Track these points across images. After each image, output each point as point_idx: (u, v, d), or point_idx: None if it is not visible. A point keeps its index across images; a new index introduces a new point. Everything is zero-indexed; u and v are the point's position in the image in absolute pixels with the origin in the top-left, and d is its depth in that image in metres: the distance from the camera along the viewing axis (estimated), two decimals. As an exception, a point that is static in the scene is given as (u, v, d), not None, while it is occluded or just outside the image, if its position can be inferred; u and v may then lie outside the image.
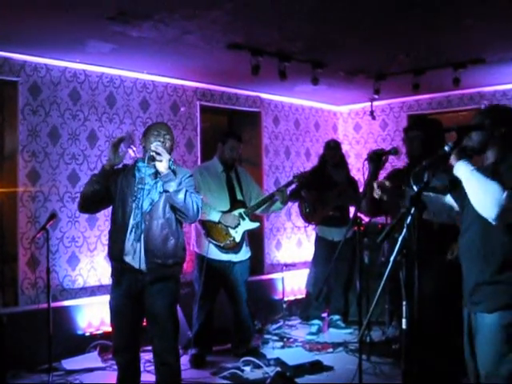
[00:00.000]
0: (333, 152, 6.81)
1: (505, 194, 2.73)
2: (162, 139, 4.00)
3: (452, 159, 2.96)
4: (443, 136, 4.11)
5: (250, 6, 4.56)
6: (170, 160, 3.92)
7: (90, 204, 4.05)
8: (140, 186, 3.95)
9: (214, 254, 5.60)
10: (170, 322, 3.98)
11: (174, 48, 5.57)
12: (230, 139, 5.76)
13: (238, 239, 5.64)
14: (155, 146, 3.88)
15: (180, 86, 7.06)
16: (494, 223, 2.81)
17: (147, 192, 3.94)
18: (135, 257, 3.89)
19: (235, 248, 5.66)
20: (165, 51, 5.69)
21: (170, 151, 4.01)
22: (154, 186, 3.96)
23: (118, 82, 6.48)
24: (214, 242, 5.58)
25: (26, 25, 4.85)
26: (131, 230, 3.92)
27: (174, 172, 3.93)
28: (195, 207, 3.91)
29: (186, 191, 3.87)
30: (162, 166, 3.85)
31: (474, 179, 2.86)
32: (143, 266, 3.90)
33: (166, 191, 3.89)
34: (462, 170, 2.91)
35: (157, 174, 3.93)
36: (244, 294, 5.76)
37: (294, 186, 6.23)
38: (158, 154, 3.85)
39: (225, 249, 5.61)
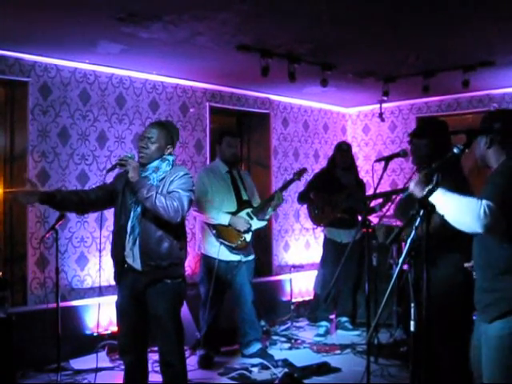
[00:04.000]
0: (344, 154, 6.78)
1: (481, 209, 2.65)
2: (147, 135, 3.97)
3: (416, 189, 2.86)
4: (449, 137, 4.08)
5: (259, 8, 4.56)
6: (141, 167, 3.88)
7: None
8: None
9: (224, 255, 5.60)
10: (171, 323, 3.98)
11: (183, 49, 5.58)
12: (224, 137, 5.76)
13: (248, 239, 5.66)
14: (118, 157, 3.87)
15: (189, 87, 7.07)
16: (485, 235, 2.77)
17: None
18: (134, 258, 3.93)
19: (246, 247, 5.67)
20: (174, 52, 5.70)
21: (160, 143, 3.97)
22: None
23: (128, 83, 6.50)
24: (227, 244, 5.58)
25: (36, 25, 4.88)
26: (130, 233, 3.94)
27: (146, 178, 3.90)
28: (171, 210, 3.79)
29: (156, 196, 3.76)
30: (130, 175, 3.82)
31: (449, 202, 2.79)
32: (140, 268, 3.92)
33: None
34: (436, 195, 2.81)
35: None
36: (251, 293, 5.75)
37: (295, 183, 6.21)
38: (122, 164, 3.84)
39: (236, 249, 5.61)
